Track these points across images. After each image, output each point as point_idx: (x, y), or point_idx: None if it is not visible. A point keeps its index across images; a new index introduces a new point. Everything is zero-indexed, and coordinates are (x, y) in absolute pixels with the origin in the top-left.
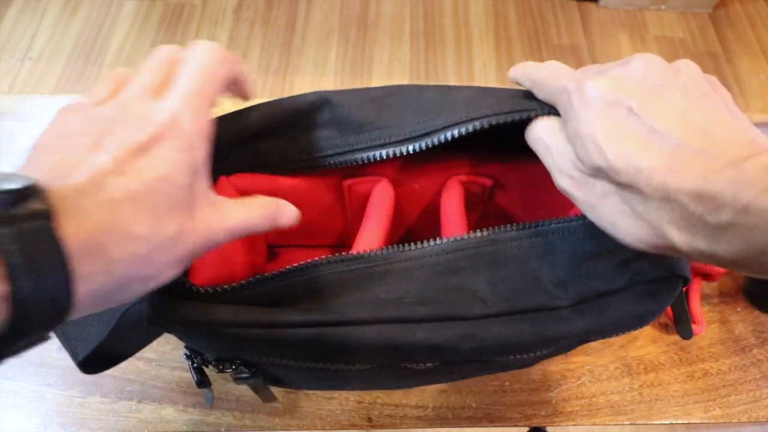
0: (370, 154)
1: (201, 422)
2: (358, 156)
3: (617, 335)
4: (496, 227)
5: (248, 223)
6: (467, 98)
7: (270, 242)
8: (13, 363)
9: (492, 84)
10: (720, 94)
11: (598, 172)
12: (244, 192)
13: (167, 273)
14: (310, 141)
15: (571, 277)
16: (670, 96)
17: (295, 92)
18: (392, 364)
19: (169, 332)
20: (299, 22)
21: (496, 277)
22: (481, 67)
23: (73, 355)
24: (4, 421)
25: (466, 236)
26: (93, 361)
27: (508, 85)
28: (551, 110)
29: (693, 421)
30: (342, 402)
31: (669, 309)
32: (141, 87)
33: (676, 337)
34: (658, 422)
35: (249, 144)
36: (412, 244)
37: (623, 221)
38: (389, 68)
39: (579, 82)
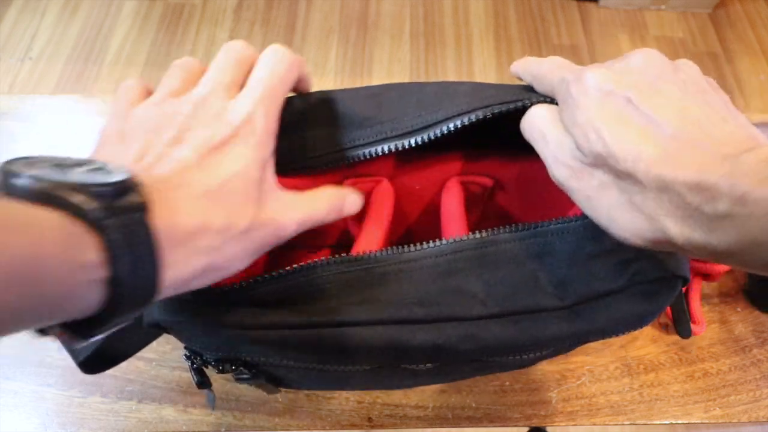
0: (373, 149)
1: (201, 422)
2: (361, 152)
3: (617, 335)
4: (495, 228)
5: (314, 216)
6: (468, 90)
7: None
8: (13, 363)
9: None
10: (718, 94)
11: (598, 161)
12: None
13: (237, 265)
14: (312, 140)
15: (570, 277)
16: (668, 89)
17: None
18: (392, 365)
19: (169, 333)
20: (299, 22)
21: (496, 278)
22: (481, 67)
23: (74, 356)
24: (4, 421)
25: (465, 237)
26: (94, 362)
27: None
28: (550, 101)
29: (693, 421)
30: (342, 402)
31: (669, 309)
32: (216, 84)
33: (676, 337)
34: (658, 422)
35: None
36: (412, 245)
37: (620, 213)
38: (389, 68)
39: (578, 73)
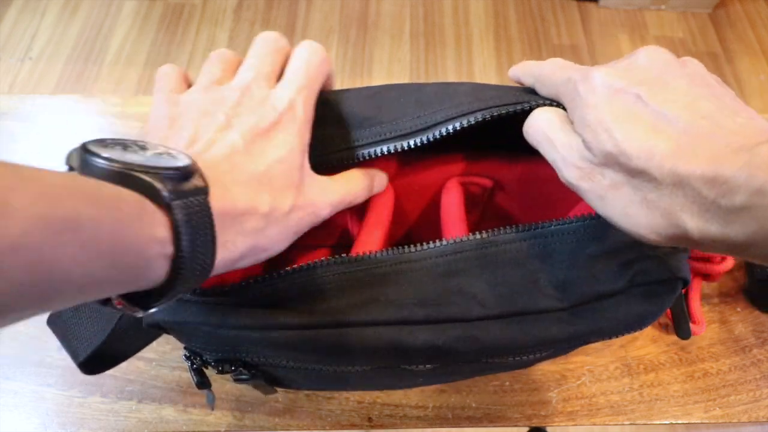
0: (372, 150)
1: (201, 422)
2: (360, 153)
3: (618, 336)
4: (495, 229)
5: (348, 197)
6: (468, 91)
7: None
8: (13, 363)
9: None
10: (725, 90)
11: (608, 160)
12: None
13: (278, 246)
14: (312, 140)
15: (570, 278)
16: (677, 84)
17: None
18: (391, 366)
19: (168, 333)
20: (299, 22)
21: (496, 279)
22: (481, 67)
23: (74, 356)
24: (4, 421)
25: (465, 238)
26: (93, 362)
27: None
28: (550, 103)
29: (693, 421)
30: (342, 402)
31: (669, 310)
32: (257, 73)
33: (676, 337)
34: (658, 422)
35: None
36: (412, 246)
37: (635, 211)
38: (389, 68)
39: (585, 72)
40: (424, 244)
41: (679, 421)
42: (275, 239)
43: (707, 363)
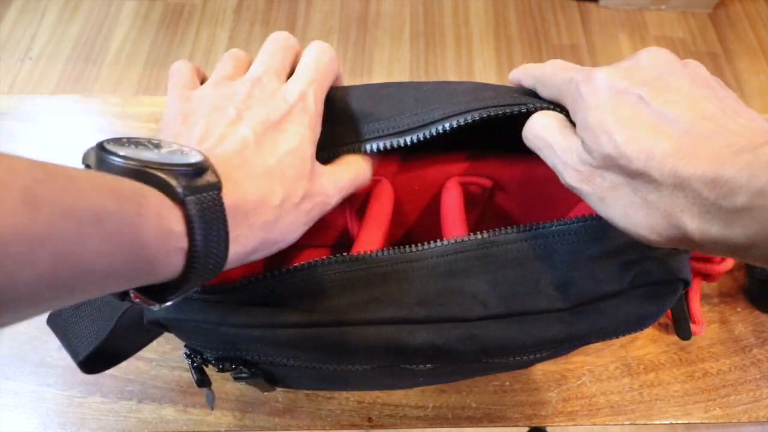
0: (369, 145)
1: (201, 422)
2: (358, 147)
3: (618, 337)
4: (495, 229)
5: (355, 181)
6: (467, 90)
7: None
8: (13, 363)
9: None
10: (726, 92)
11: (608, 162)
12: None
13: (291, 237)
14: None
15: (571, 279)
16: (679, 84)
17: None
18: (392, 365)
19: (169, 331)
20: (299, 22)
21: (496, 279)
22: (481, 68)
23: (74, 355)
24: (4, 421)
25: (465, 238)
26: (93, 361)
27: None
28: (552, 106)
29: (693, 421)
30: (342, 402)
31: (669, 310)
32: (267, 68)
33: (676, 337)
34: (658, 422)
35: None
36: (412, 246)
37: (635, 212)
38: (389, 68)
39: (587, 73)
40: (425, 243)
41: (679, 421)
42: (287, 231)
43: (707, 363)
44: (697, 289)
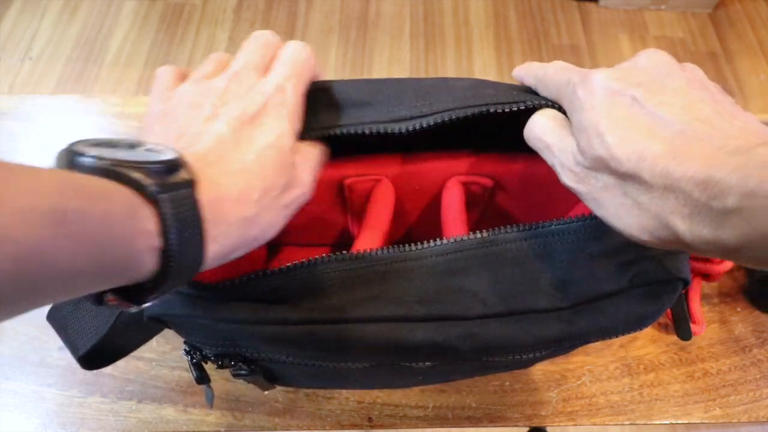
0: (360, 128)
1: (201, 422)
2: (353, 129)
3: (617, 336)
4: (496, 228)
5: (319, 163)
6: (466, 87)
7: (269, 241)
8: (13, 363)
9: None
10: (724, 96)
11: (600, 164)
12: None
13: (272, 232)
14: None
15: (570, 278)
16: (675, 86)
17: None
18: (391, 363)
19: (169, 327)
20: (299, 22)
21: (496, 278)
22: (481, 68)
23: (73, 350)
24: (4, 421)
25: (466, 237)
26: (93, 356)
27: None
28: (551, 104)
29: (693, 421)
30: (342, 402)
31: (669, 310)
32: (246, 63)
33: (676, 337)
34: (658, 422)
35: None
36: (413, 244)
37: (626, 213)
38: (389, 68)
39: (584, 74)
40: (425, 242)
41: (679, 421)
42: (267, 226)
43: (707, 363)
44: (697, 289)
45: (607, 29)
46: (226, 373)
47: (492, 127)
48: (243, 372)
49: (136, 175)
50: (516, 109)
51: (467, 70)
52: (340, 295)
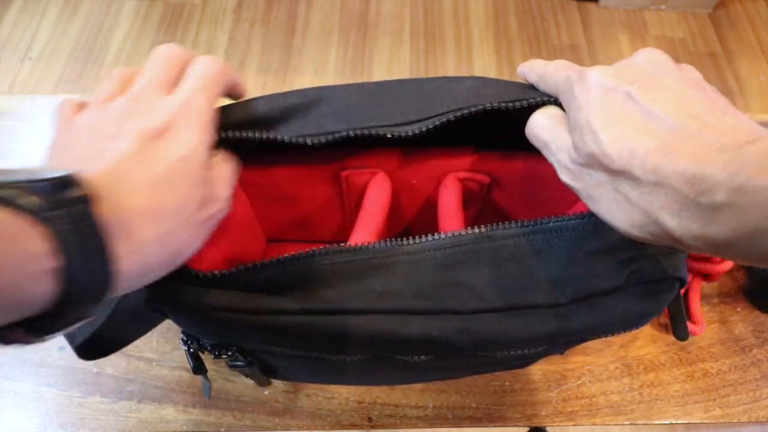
0: (367, 132)
1: (201, 422)
2: (353, 134)
3: (614, 335)
4: (493, 224)
5: (235, 175)
6: (468, 88)
7: (269, 236)
8: (13, 363)
9: None
10: (719, 96)
11: (593, 160)
12: (244, 186)
13: (194, 247)
14: (306, 126)
15: (568, 275)
16: (670, 83)
17: None
18: (386, 356)
19: (166, 316)
20: (299, 22)
21: (493, 273)
22: (481, 68)
23: (71, 340)
24: (4, 421)
25: (463, 232)
26: (91, 347)
27: None
28: (552, 100)
29: (693, 421)
30: (342, 402)
31: (666, 309)
32: (148, 81)
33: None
34: (658, 422)
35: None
36: (410, 238)
37: (618, 209)
38: (389, 68)
39: (581, 72)
40: (422, 236)
41: (679, 421)
42: (187, 241)
43: (707, 363)
44: (697, 289)
45: (607, 29)
46: (226, 373)
47: (493, 126)
48: (239, 363)
49: (10, 193)
50: (513, 107)
51: (467, 70)
52: (336, 287)
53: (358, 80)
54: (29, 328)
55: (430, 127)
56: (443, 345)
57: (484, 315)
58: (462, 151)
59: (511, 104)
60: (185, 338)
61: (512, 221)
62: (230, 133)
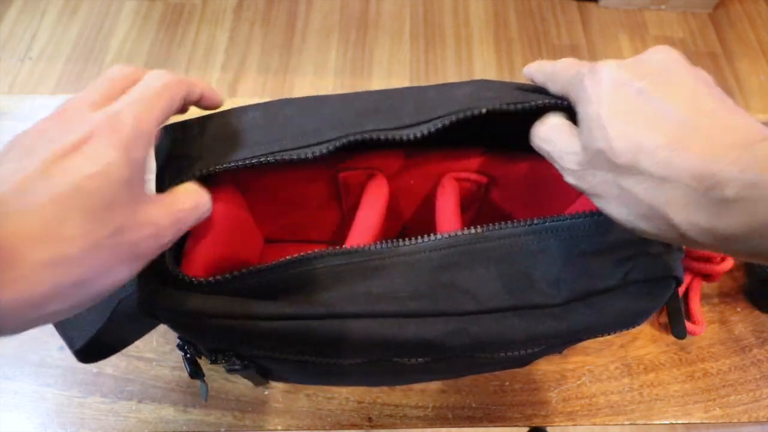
0: (368, 136)
1: (201, 422)
2: (353, 138)
3: (610, 334)
4: (489, 224)
5: (194, 212)
6: (467, 92)
7: (266, 237)
8: (13, 363)
9: None
10: (726, 97)
11: (598, 158)
12: (241, 187)
13: (112, 276)
14: (303, 132)
15: (564, 275)
16: (681, 79)
17: (295, 93)
18: (384, 359)
19: (162, 322)
20: (299, 22)
21: (490, 273)
22: (481, 68)
23: (70, 344)
24: (4, 421)
25: (459, 232)
26: (90, 350)
27: None
28: (552, 103)
29: (693, 421)
30: (342, 402)
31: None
32: (79, 100)
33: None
34: (658, 422)
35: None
36: (406, 239)
37: (624, 205)
38: (389, 68)
39: (593, 66)
40: (418, 238)
41: (679, 421)
42: (101, 268)
43: (707, 363)
44: (697, 289)
45: (607, 29)
46: (226, 373)
47: (494, 128)
48: (236, 367)
49: None
50: (515, 109)
51: (467, 70)
52: (332, 290)
53: (359, 80)
54: None
55: (432, 130)
56: (439, 347)
57: (481, 316)
58: (462, 152)
59: (512, 106)
60: (182, 344)
61: (508, 221)
62: (232, 164)
